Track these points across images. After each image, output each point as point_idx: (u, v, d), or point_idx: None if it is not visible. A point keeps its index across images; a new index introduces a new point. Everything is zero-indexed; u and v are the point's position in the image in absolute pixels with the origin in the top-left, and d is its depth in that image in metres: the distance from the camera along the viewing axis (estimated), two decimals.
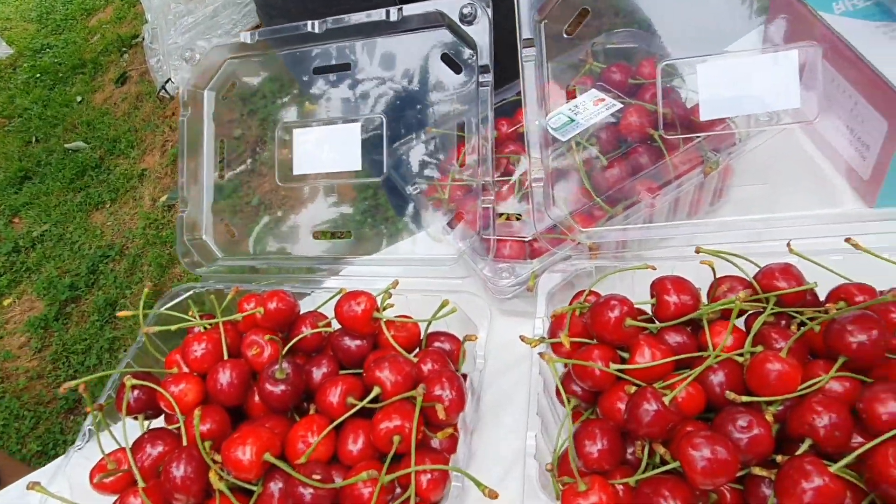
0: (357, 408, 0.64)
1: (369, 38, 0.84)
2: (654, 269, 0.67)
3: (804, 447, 0.51)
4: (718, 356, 0.57)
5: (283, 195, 0.94)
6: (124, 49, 4.29)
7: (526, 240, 0.78)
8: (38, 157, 3.75)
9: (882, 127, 0.73)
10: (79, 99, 4.10)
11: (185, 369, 0.74)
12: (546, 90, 0.74)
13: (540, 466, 0.59)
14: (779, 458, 0.52)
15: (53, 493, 0.63)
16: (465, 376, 0.70)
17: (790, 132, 0.81)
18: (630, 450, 0.58)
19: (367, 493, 0.58)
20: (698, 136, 0.76)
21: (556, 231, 0.74)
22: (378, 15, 0.80)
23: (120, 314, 0.78)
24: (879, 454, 0.48)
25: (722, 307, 0.60)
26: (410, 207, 0.88)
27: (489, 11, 0.74)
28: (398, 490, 0.61)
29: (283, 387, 0.67)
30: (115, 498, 0.65)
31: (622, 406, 0.58)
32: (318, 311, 0.79)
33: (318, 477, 0.58)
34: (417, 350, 0.73)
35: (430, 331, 0.74)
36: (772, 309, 0.60)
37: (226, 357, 0.73)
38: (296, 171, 0.87)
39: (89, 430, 0.71)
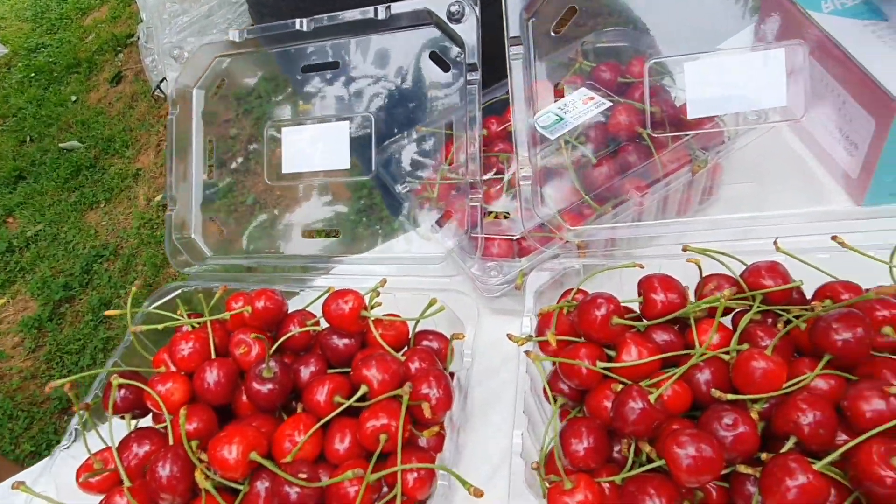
0: (343, 406, 0.64)
1: (358, 36, 0.84)
2: (642, 267, 0.67)
3: (789, 445, 0.51)
4: (704, 354, 0.57)
5: (278, 194, 0.94)
6: (119, 48, 4.28)
7: (514, 238, 0.78)
8: (32, 156, 3.74)
9: (870, 125, 0.73)
10: (73, 98, 4.09)
11: (173, 368, 0.73)
12: (534, 89, 0.74)
13: (526, 465, 0.59)
14: (764, 455, 0.52)
15: (38, 493, 0.62)
16: (452, 375, 0.70)
17: (779, 130, 0.81)
18: (616, 448, 0.58)
19: (352, 491, 0.58)
20: (687, 135, 0.76)
21: (544, 229, 0.74)
22: (366, 13, 0.80)
23: (107, 313, 0.78)
24: (863, 452, 0.48)
25: (707, 305, 0.60)
26: (405, 207, 0.88)
27: (477, 9, 0.74)
28: (385, 489, 0.61)
29: (270, 386, 0.67)
30: (101, 497, 0.65)
31: (609, 404, 0.58)
32: (307, 309, 0.78)
33: (304, 476, 0.58)
34: (406, 349, 0.73)
35: (418, 329, 0.74)
36: (758, 307, 0.60)
37: (213, 356, 0.72)
38: (285, 170, 0.87)
39: (76, 429, 0.71)
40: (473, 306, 0.73)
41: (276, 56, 0.90)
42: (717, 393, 0.55)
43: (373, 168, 0.84)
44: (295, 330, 0.73)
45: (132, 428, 0.71)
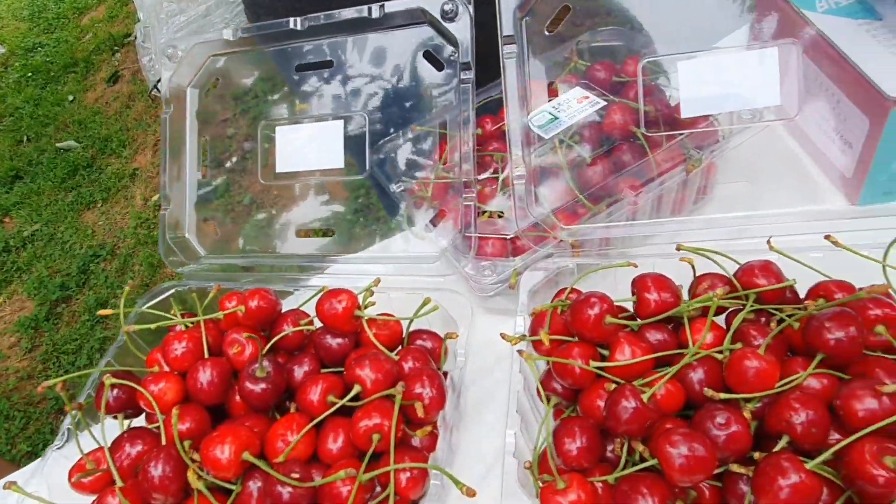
0: (336, 406, 0.64)
1: (352, 34, 0.84)
2: (636, 266, 0.67)
3: (781, 444, 0.51)
4: (697, 353, 0.57)
5: (275, 194, 0.94)
6: (116, 48, 4.27)
7: (508, 237, 0.78)
8: (29, 156, 3.73)
9: (864, 124, 0.73)
10: (70, 98, 4.08)
11: (166, 368, 0.73)
12: (528, 88, 0.74)
13: (519, 464, 0.59)
14: (757, 455, 0.52)
15: (30, 493, 0.62)
16: (446, 374, 0.70)
17: (773, 129, 0.81)
18: (610, 447, 0.58)
19: (345, 491, 0.58)
20: (681, 134, 0.75)
21: (538, 229, 0.74)
22: (360, 12, 0.80)
23: (101, 312, 0.77)
24: (856, 451, 0.48)
25: (700, 304, 0.60)
26: (402, 206, 0.88)
27: (470, 8, 0.74)
28: (378, 489, 0.61)
29: (263, 385, 0.67)
30: (93, 498, 0.65)
31: (602, 404, 0.57)
32: (301, 309, 0.78)
33: (296, 476, 0.58)
34: (399, 348, 0.73)
35: (412, 329, 0.74)
36: (751, 306, 0.60)
37: (206, 355, 0.72)
38: (279, 169, 0.86)
39: (68, 429, 0.71)
40: (467, 305, 0.73)
41: (271, 55, 0.90)
42: (710, 392, 0.55)
43: (367, 167, 0.84)
44: (288, 329, 0.73)
45: (125, 428, 0.71)
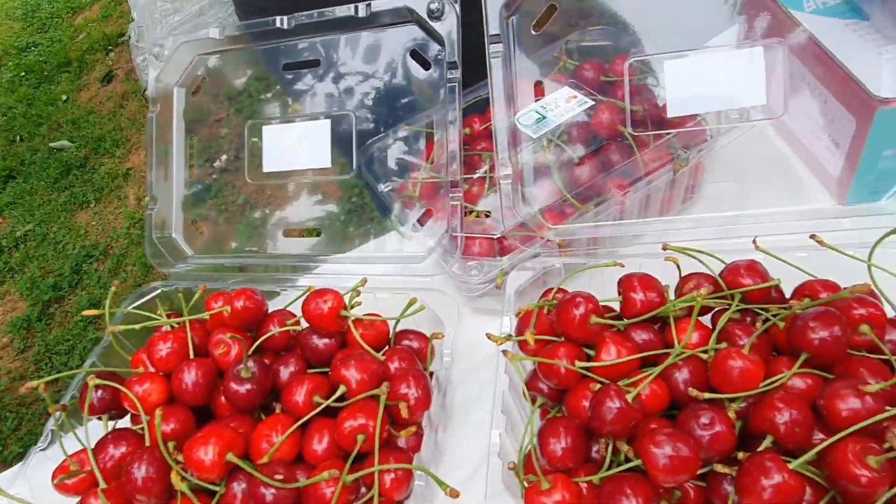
0: (322, 406, 0.63)
1: (339, 33, 0.83)
2: (623, 266, 0.66)
3: (765, 444, 0.51)
4: (682, 353, 0.56)
5: (269, 194, 0.94)
6: (110, 47, 4.25)
7: (495, 237, 0.77)
8: (22, 156, 3.71)
9: (851, 124, 0.73)
10: (64, 97, 4.06)
11: (151, 369, 0.73)
12: (515, 87, 0.74)
13: (504, 465, 0.59)
14: (741, 455, 0.51)
15: (11, 495, 0.61)
16: (432, 374, 0.70)
17: (761, 129, 0.81)
18: (595, 448, 0.58)
19: (329, 492, 0.57)
20: (668, 134, 0.75)
21: (525, 228, 0.73)
22: (347, 11, 0.80)
23: (85, 313, 0.77)
24: (839, 451, 0.48)
25: (684, 304, 0.60)
26: (395, 206, 0.88)
27: (457, 7, 0.73)
28: (363, 489, 0.61)
29: (248, 386, 0.66)
30: (76, 500, 0.64)
31: (587, 404, 0.57)
32: (288, 309, 0.78)
33: (280, 477, 0.58)
34: (386, 348, 0.73)
35: (398, 329, 0.73)
36: (737, 306, 0.60)
37: (192, 356, 0.72)
38: (266, 169, 0.86)
39: (51, 431, 0.70)
40: (454, 305, 0.73)
41: (258, 54, 0.89)
42: (694, 392, 0.54)
43: (354, 167, 0.83)
44: (274, 330, 0.72)
45: (109, 429, 0.71)
